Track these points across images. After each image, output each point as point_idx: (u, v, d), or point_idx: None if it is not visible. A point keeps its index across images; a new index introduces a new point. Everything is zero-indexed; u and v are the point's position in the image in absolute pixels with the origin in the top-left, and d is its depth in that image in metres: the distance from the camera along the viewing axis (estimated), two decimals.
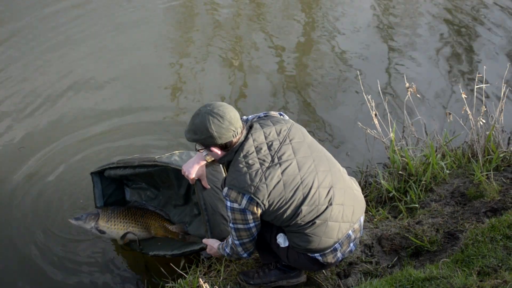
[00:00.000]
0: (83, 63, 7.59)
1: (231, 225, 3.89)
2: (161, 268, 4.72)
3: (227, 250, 4.11)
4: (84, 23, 8.35)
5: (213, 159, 4.12)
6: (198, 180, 4.36)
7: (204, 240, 4.42)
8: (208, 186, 4.38)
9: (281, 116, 4.05)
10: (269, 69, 7.59)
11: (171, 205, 5.22)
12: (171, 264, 4.58)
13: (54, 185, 5.83)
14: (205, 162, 4.27)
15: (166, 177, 4.92)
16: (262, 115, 4.04)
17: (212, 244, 4.32)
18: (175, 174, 4.74)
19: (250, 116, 4.05)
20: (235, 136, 3.73)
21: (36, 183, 5.84)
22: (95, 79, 7.31)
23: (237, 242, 3.97)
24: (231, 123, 3.68)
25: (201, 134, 3.70)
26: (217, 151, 3.80)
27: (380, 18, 8.81)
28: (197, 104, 6.72)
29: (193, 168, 4.26)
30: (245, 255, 4.08)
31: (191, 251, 4.71)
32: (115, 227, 5.02)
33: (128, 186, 5.41)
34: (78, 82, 7.25)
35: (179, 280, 4.44)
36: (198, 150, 3.94)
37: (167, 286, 4.50)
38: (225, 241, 4.16)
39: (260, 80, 7.42)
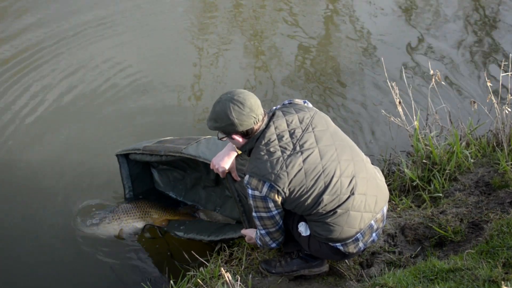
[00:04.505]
0: (107, 48, 7.65)
1: (254, 214, 3.87)
2: (184, 254, 4.75)
3: (258, 240, 4.11)
4: (105, 11, 8.39)
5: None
6: (229, 172, 4.26)
7: (243, 231, 4.41)
8: (239, 178, 4.28)
9: (305, 104, 4.02)
10: (291, 56, 7.55)
11: (200, 186, 5.24)
12: (192, 252, 4.58)
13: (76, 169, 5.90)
14: (235, 154, 4.17)
15: (195, 163, 4.90)
16: (287, 102, 4.02)
17: (251, 234, 4.28)
18: (204, 162, 4.72)
19: (277, 106, 4.01)
20: (256, 123, 3.71)
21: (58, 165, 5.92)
22: (116, 64, 7.35)
23: (263, 231, 3.96)
24: (252, 110, 3.66)
25: (221, 122, 3.69)
26: (239, 138, 3.78)
27: (403, 3, 8.72)
28: (218, 93, 6.70)
29: (223, 161, 4.15)
30: (273, 245, 4.06)
31: (230, 239, 4.73)
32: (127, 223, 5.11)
33: (154, 167, 5.43)
34: (99, 65, 7.33)
35: (200, 269, 4.44)
36: (220, 139, 3.91)
37: (189, 274, 4.50)
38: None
39: (281, 67, 7.39)
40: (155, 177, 5.48)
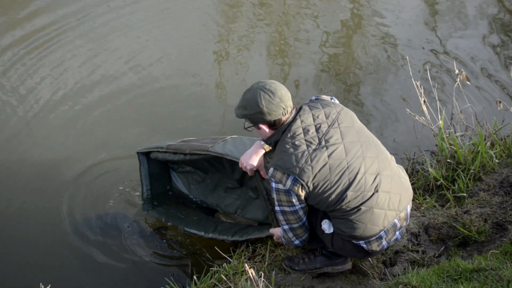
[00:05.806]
0: (131, 44, 7.69)
1: (277, 208, 3.87)
2: (203, 250, 4.75)
3: (282, 238, 4.11)
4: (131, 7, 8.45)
5: (271, 148, 4.06)
6: (257, 170, 4.28)
7: (271, 230, 4.40)
8: (267, 176, 4.25)
9: (332, 100, 4.02)
10: (315, 54, 7.55)
11: (221, 188, 5.19)
12: (215, 247, 4.60)
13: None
14: (263, 151, 4.19)
15: (219, 162, 4.88)
16: (314, 98, 4.02)
17: (279, 233, 4.25)
18: (229, 161, 4.68)
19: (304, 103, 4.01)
20: (285, 114, 3.72)
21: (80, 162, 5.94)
22: (139, 61, 7.38)
23: (286, 227, 3.95)
24: (281, 100, 3.68)
25: (250, 109, 3.71)
26: (265, 128, 3.79)
27: (427, 1, 8.68)
28: (242, 88, 6.71)
29: (252, 159, 4.17)
30: (297, 241, 4.05)
31: (256, 238, 4.70)
32: None
33: (173, 169, 5.38)
34: (125, 62, 7.35)
35: (223, 265, 4.45)
36: (246, 128, 3.91)
37: (212, 269, 4.51)
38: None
39: (305, 64, 7.39)
40: (174, 180, 5.44)
